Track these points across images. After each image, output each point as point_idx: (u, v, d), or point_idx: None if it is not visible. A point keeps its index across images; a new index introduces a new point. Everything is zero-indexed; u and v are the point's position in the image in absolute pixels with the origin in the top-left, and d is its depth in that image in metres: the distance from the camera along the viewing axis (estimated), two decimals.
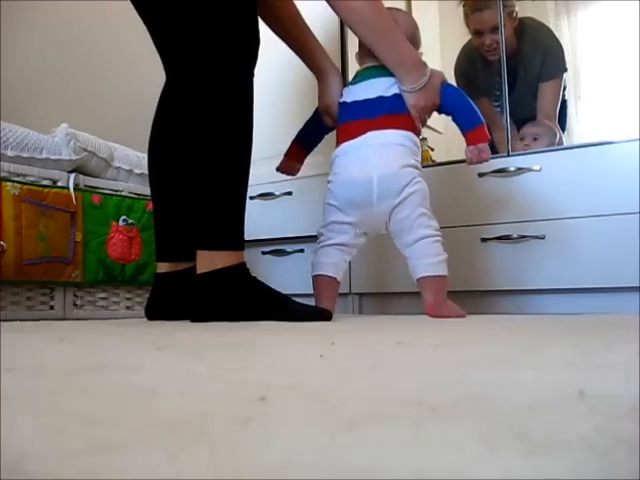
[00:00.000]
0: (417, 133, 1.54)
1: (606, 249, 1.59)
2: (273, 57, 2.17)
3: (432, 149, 2.33)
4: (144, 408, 0.31)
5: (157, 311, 1.42)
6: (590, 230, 1.62)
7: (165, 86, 1.46)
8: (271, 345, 0.73)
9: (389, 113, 1.49)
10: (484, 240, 1.75)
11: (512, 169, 1.74)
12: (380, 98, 1.50)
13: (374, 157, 1.44)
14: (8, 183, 1.55)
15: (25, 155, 1.63)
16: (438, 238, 1.43)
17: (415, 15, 2.38)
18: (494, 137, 1.92)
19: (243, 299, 1.25)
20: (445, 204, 1.81)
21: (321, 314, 1.28)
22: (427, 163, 2.25)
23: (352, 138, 1.49)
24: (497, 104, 1.93)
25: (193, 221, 1.30)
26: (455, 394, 0.34)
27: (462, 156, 1.91)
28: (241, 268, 1.28)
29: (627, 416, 0.28)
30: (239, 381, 0.41)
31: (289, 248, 2.05)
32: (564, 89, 1.90)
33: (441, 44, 2.51)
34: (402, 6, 2.35)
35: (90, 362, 0.54)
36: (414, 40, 1.55)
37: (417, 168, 1.48)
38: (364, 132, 1.47)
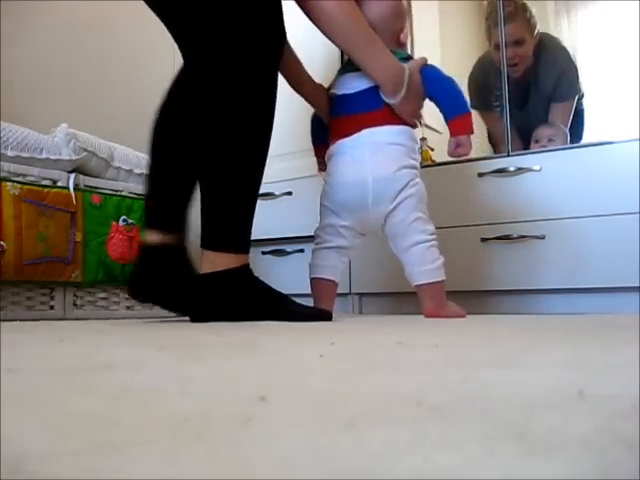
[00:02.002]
0: (414, 127, 1.49)
1: (606, 249, 1.59)
2: None
3: (432, 149, 2.33)
4: (144, 408, 0.31)
5: (141, 288, 1.30)
6: (590, 230, 1.62)
7: (182, 70, 1.37)
8: (271, 345, 0.73)
9: (384, 106, 1.42)
10: (484, 240, 1.75)
11: (512, 169, 1.74)
12: (373, 89, 1.42)
13: (369, 159, 1.39)
14: (8, 183, 1.55)
15: (25, 155, 1.63)
16: (433, 242, 1.40)
17: (415, 15, 2.39)
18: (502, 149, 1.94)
19: (243, 299, 1.23)
20: (445, 204, 1.81)
21: (321, 314, 1.27)
22: (427, 163, 2.26)
23: (346, 135, 1.43)
24: (498, 104, 1.93)
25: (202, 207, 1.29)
26: (455, 394, 0.34)
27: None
28: (244, 270, 1.26)
29: (627, 416, 0.28)
30: (239, 381, 0.41)
31: (289, 248, 2.05)
32: (580, 99, 1.89)
33: (441, 44, 2.52)
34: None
35: (90, 362, 0.54)
36: (390, 21, 1.48)
37: (415, 168, 1.43)
38: (359, 129, 1.41)
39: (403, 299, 1.88)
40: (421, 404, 0.31)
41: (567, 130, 1.87)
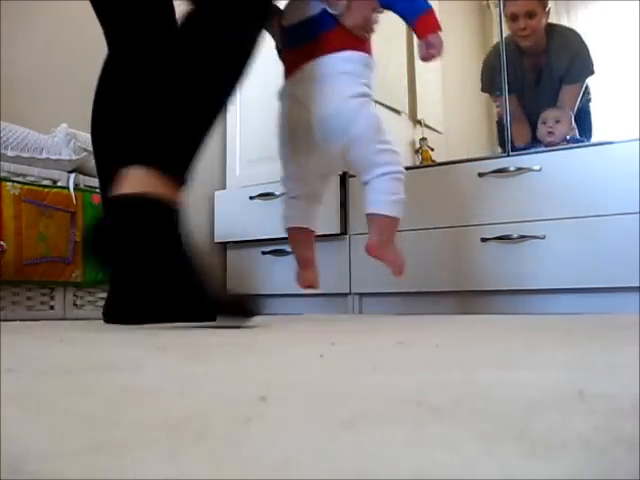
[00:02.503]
0: (367, 49, 1.36)
1: (606, 249, 1.59)
2: (271, 59, 2.17)
3: (432, 149, 2.34)
4: (144, 408, 0.31)
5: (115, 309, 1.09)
6: (590, 230, 1.62)
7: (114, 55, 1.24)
8: (271, 345, 0.73)
9: (330, 29, 1.29)
10: (484, 240, 1.74)
11: (512, 169, 1.74)
12: (322, 13, 1.30)
13: (312, 95, 1.27)
14: (8, 183, 1.55)
15: (25, 155, 1.63)
16: (398, 175, 1.29)
17: None
18: (513, 132, 1.95)
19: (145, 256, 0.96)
20: (445, 204, 1.81)
21: (250, 305, 1.03)
22: (427, 163, 2.26)
23: (292, 73, 1.33)
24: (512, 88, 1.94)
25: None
26: (455, 394, 0.34)
27: (462, 156, 1.93)
28: (168, 210, 0.99)
29: (627, 416, 0.28)
30: (239, 381, 0.41)
31: (289, 248, 2.05)
32: (585, 92, 1.91)
33: None
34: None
35: (90, 362, 0.54)
36: None
37: (365, 95, 1.30)
38: (301, 64, 1.30)
39: (403, 299, 1.88)
40: (421, 404, 0.31)
41: (573, 113, 1.90)
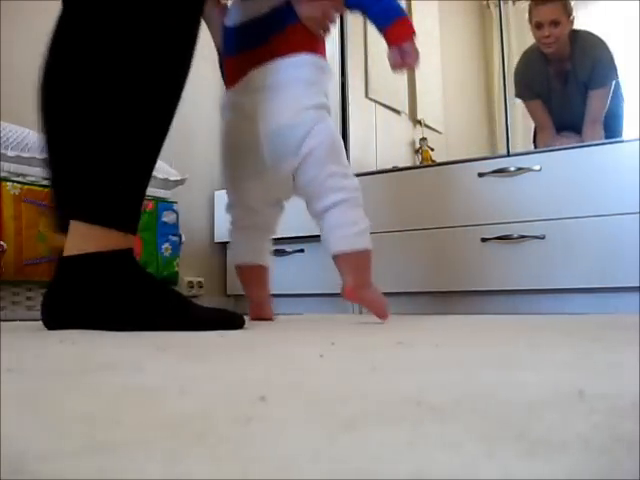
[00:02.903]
0: (322, 52, 1.19)
1: (606, 249, 1.59)
2: None
3: (432, 149, 2.34)
4: (144, 408, 0.31)
5: (57, 314, 0.90)
6: (590, 230, 1.62)
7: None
8: (271, 345, 0.73)
9: (280, 30, 1.13)
10: (484, 240, 1.74)
11: (512, 169, 1.74)
12: (272, 13, 1.15)
13: (261, 108, 1.11)
14: (8, 183, 1.55)
15: (25, 155, 1.63)
16: (355, 202, 1.14)
17: (415, 15, 2.39)
18: (539, 137, 1.99)
19: (126, 300, 0.87)
20: (445, 204, 1.81)
21: (231, 320, 0.93)
22: (427, 163, 2.26)
23: (236, 80, 1.16)
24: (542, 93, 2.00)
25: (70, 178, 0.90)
26: (455, 394, 0.34)
27: (462, 156, 1.93)
28: (126, 255, 0.90)
29: (627, 415, 0.28)
30: (239, 381, 0.41)
31: (289, 248, 2.05)
32: (616, 90, 1.94)
33: (441, 44, 2.52)
34: (402, 6, 2.35)
35: (90, 362, 0.54)
36: None
37: (322, 107, 1.14)
38: (246, 72, 1.14)
39: (403, 299, 1.88)
40: (421, 404, 0.31)
41: (601, 126, 1.92)
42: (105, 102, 0.88)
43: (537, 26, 1.94)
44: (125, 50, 0.88)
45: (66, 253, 0.89)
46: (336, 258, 1.15)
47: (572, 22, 1.97)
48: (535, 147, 2.04)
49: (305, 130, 1.10)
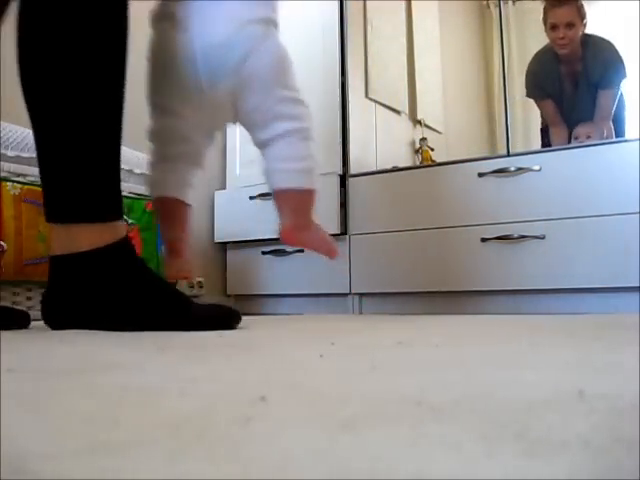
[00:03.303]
0: None
1: (606, 249, 1.59)
2: None
3: (432, 149, 2.34)
4: (144, 408, 0.31)
5: (58, 315, 0.90)
6: (590, 230, 1.62)
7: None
8: (271, 345, 0.73)
9: None
10: (484, 240, 1.74)
11: (512, 169, 1.74)
12: None
13: (196, 16, 0.97)
14: (8, 183, 1.55)
15: (25, 155, 1.63)
16: (304, 135, 1.02)
17: (415, 15, 2.39)
18: (551, 133, 2.02)
19: (121, 299, 0.86)
20: (445, 204, 1.81)
21: (229, 315, 0.91)
22: (427, 163, 2.26)
23: None
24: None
25: (46, 181, 0.90)
26: (455, 394, 0.34)
27: (462, 156, 1.92)
28: (121, 248, 0.90)
29: (627, 415, 0.28)
30: (239, 381, 0.41)
31: (289, 248, 2.05)
32: (619, 93, 1.99)
33: (441, 44, 2.52)
34: (402, 6, 2.36)
35: (90, 362, 0.54)
36: None
37: (269, 22, 1.00)
38: None
39: (403, 299, 1.88)
40: (421, 404, 0.31)
41: (610, 123, 1.95)
42: (50, 97, 0.91)
43: (552, 27, 1.98)
44: (58, 42, 0.89)
45: (57, 252, 0.88)
46: (276, 195, 1.05)
47: (585, 25, 1.99)
48: (543, 145, 2.06)
49: (246, 49, 0.96)
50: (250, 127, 1.04)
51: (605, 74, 1.96)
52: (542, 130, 2.11)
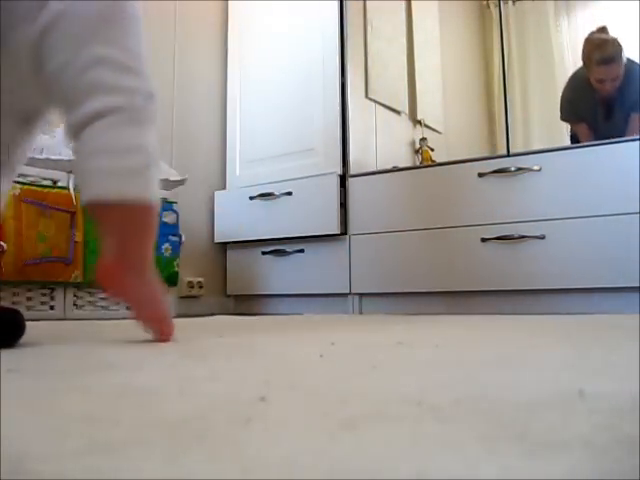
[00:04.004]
0: None
1: (606, 249, 1.59)
2: (271, 60, 2.17)
3: (432, 149, 2.34)
4: (144, 408, 0.31)
5: None
6: (590, 230, 1.62)
7: None
8: (271, 345, 0.73)
9: None
10: (484, 240, 1.74)
11: (512, 169, 1.74)
12: None
13: None
14: None
15: None
16: (134, 115, 0.72)
17: (415, 15, 2.39)
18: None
19: None
20: (445, 204, 1.81)
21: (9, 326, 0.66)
22: (427, 163, 2.26)
23: None
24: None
25: None
26: (455, 394, 0.34)
27: (462, 156, 1.92)
28: None
29: (627, 415, 0.28)
30: (239, 381, 0.41)
31: (289, 248, 2.05)
32: None
33: (441, 44, 2.52)
34: (402, 6, 2.36)
35: (90, 362, 0.54)
36: None
37: None
38: None
39: (403, 299, 1.88)
40: (421, 404, 0.30)
41: None
42: None
43: (599, 82, 2.00)
44: None
45: None
46: (90, 211, 0.72)
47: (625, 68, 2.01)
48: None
49: None
50: (62, 106, 0.72)
51: (638, 99, 1.98)
52: (572, 136, 2.12)
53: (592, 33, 1.97)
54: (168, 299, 0.81)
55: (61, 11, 0.68)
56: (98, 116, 0.69)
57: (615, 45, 1.95)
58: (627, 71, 1.98)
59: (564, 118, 2.10)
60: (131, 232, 0.72)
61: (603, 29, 1.95)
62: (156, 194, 0.74)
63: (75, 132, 0.71)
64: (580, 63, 2.01)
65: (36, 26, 0.68)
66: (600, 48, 1.96)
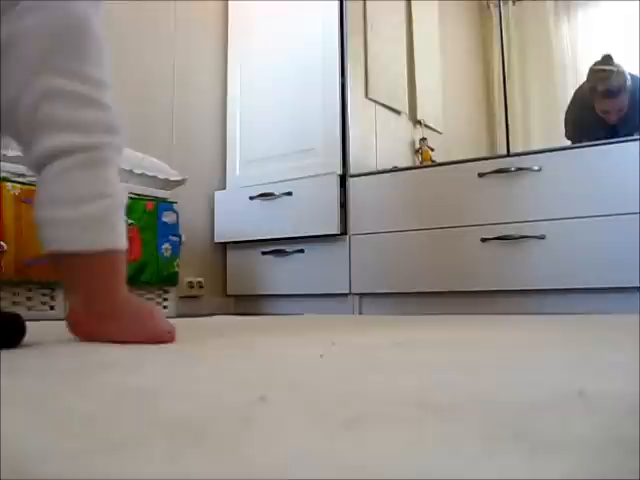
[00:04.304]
0: None
1: (606, 249, 1.59)
2: (271, 59, 2.17)
3: (432, 149, 2.33)
4: (144, 408, 0.31)
5: None
6: (590, 230, 1.62)
7: None
8: (271, 345, 0.73)
9: None
10: (484, 240, 1.74)
11: (512, 169, 1.74)
12: None
13: None
14: (8, 183, 1.54)
15: None
16: (96, 155, 0.68)
17: (415, 15, 2.39)
18: None
19: None
20: (445, 204, 1.81)
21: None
22: (427, 163, 2.26)
23: None
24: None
25: None
26: (455, 394, 0.34)
27: (462, 156, 1.92)
28: None
29: (627, 415, 0.28)
30: (239, 381, 0.41)
31: (289, 248, 2.05)
32: None
33: (441, 44, 2.52)
34: (402, 6, 2.36)
35: (90, 362, 0.54)
36: None
37: None
38: None
39: (403, 299, 1.88)
40: (421, 404, 0.30)
41: None
42: None
43: (604, 112, 2.00)
44: None
45: None
46: (51, 261, 0.71)
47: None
48: None
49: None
50: (18, 141, 0.69)
51: None
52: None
53: (597, 63, 1.95)
54: (157, 310, 0.81)
55: (10, 34, 0.64)
56: (53, 157, 0.65)
57: (619, 76, 1.94)
58: (632, 94, 1.96)
59: (569, 136, 2.08)
60: (97, 281, 0.70)
61: (607, 58, 1.93)
62: (123, 237, 0.71)
63: (35, 169, 0.69)
64: (580, 63, 2.01)
65: None
66: (604, 81, 1.95)
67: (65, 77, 0.65)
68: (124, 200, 0.72)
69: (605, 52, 1.95)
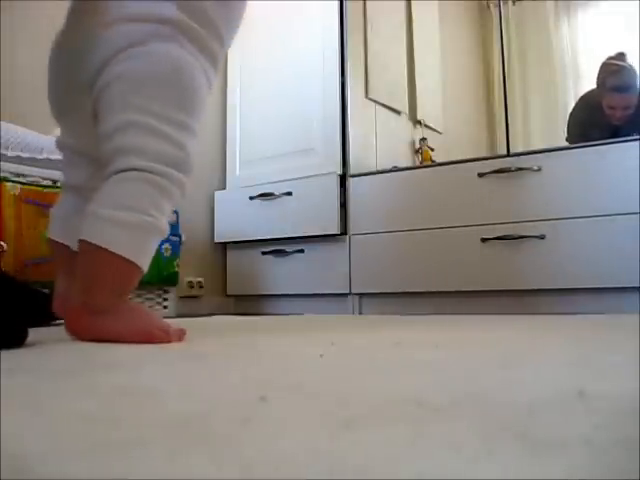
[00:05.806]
0: None
1: (606, 249, 1.59)
2: (271, 59, 2.17)
3: (432, 149, 2.34)
4: (144, 408, 0.31)
5: None
6: (590, 230, 1.62)
7: None
8: (271, 345, 0.73)
9: None
10: (484, 240, 1.74)
11: (512, 169, 1.74)
12: None
13: (82, 10, 0.80)
14: (8, 183, 1.54)
15: (25, 155, 1.63)
16: (150, 176, 0.73)
17: (415, 15, 2.39)
18: None
19: None
20: (445, 204, 1.81)
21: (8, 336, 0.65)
22: (427, 163, 2.26)
23: None
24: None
25: None
26: (455, 394, 0.34)
27: (462, 156, 1.92)
28: None
29: (627, 415, 0.28)
30: (239, 381, 0.41)
31: (289, 248, 2.05)
32: None
33: (441, 44, 2.52)
34: (402, 6, 2.36)
35: (90, 362, 0.54)
36: None
37: (167, 22, 0.74)
38: None
39: (403, 299, 1.88)
40: (421, 404, 0.30)
41: None
42: None
43: (610, 107, 1.99)
44: None
45: None
46: (80, 246, 0.74)
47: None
48: None
49: (114, 48, 0.71)
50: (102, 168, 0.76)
51: None
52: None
53: (610, 58, 1.95)
54: (151, 313, 0.83)
55: (110, 79, 0.72)
56: (113, 173, 0.72)
57: (630, 74, 1.94)
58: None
59: (572, 140, 2.10)
60: (98, 276, 0.72)
61: (621, 55, 1.93)
62: (147, 260, 0.74)
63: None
64: (580, 63, 2.01)
65: (94, 90, 0.74)
66: (615, 75, 1.94)
67: (144, 114, 0.72)
68: (165, 233, 0.76)
69: (605, 52, 1.95)
